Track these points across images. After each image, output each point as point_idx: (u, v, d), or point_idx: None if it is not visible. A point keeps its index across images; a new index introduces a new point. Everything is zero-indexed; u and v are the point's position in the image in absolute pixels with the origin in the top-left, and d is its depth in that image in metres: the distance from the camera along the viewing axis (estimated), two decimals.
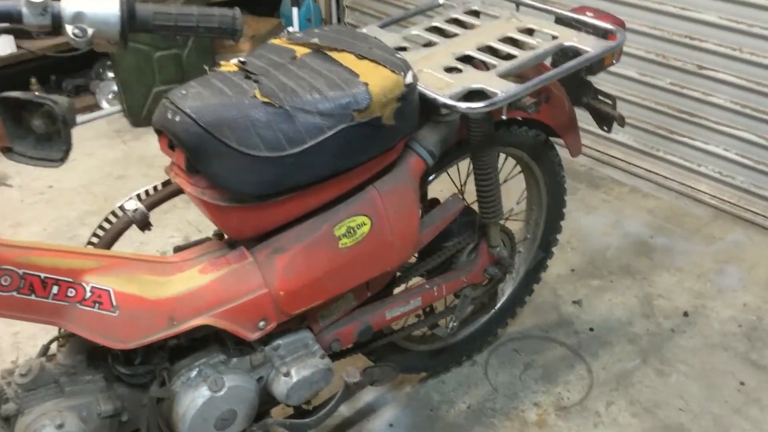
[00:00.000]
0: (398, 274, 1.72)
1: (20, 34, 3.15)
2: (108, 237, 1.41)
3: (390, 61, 1.35)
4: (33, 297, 1.16)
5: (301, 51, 1.40)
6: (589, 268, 2.45)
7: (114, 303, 1.23)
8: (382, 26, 1.72)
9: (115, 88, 3.47)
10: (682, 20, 2.50)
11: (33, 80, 3.27)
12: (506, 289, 2.08)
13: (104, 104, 3.52)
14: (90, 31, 0.98)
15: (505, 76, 1.46)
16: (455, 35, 1.64)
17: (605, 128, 1.85)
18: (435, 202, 1.80)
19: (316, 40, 1.41)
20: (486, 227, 1.76)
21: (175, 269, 1.35)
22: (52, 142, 1.08)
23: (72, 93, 3.51)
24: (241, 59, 1.37)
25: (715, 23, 2.41)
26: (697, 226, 2.61)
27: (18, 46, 3.22)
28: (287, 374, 1.44)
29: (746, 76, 2.41)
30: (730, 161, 2.59)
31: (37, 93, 1.05)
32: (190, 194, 1.32)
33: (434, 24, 1.70)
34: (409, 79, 1.33)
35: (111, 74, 3.53)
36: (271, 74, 1.33)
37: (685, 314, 2.23)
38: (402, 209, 1.46)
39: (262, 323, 1.37)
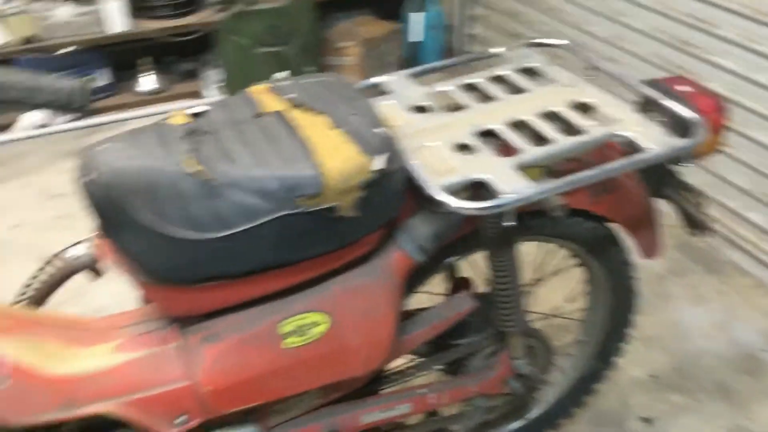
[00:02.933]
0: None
1: (139, 12, 3.20)
2: (43, 290, 1.26)
3: (362, 138, 1.06)
4: None
5: (271, 107, 1.15)
6: (674, 376, 2.01)
7: (7, 373, 1.08)
8: (415, 75, 1.42)
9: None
10: None
11: (139, 61, 3.28)
12: (548, 396, 1.72)
13: (206, 92, 3.47)
14: None
15: (527, 167, 1.13)
16: (490, 99, 1.31)
17: (693, 232, 1.44)
18: (465, 282, 1.50)
19: (294, 95, 1.16)
20: (505, 335, 1.43)
21: (91, 340, 1.17)
22: None
23: (180, 77, 3.50)
24: (197, 111, 1.15)
25: None
26: None
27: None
28: None
29: None
30: None
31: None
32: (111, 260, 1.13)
33: (471, 81, 1.36)
34: (378, 164, 1.04)
35: None
36: (221, 134, 1.10)
37: None
38: (372, 312, 1.18)
39: (180, 419, 1.16)
